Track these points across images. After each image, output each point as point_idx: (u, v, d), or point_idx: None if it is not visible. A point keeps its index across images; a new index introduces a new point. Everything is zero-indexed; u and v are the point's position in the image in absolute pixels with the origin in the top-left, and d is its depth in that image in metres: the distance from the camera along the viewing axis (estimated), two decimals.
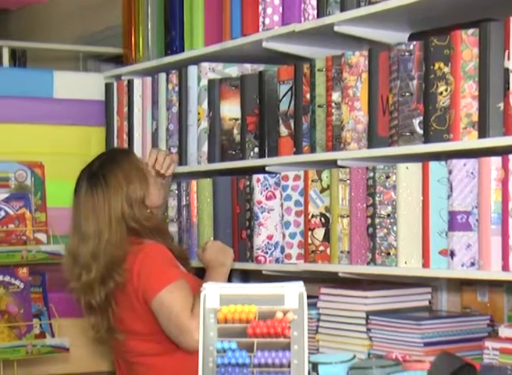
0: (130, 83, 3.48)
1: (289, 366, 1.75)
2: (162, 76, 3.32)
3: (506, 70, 2.22)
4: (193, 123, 3.16)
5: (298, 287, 1.78)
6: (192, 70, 3.18)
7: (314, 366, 2.19)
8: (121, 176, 2.69)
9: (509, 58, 2.21)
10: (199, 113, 3.14)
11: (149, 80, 3.40)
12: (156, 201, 2.81)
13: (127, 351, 2.70)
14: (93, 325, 2.71)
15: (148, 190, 2.74)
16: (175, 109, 3.26)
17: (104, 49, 4.15)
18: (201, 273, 2.83)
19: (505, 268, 2.22)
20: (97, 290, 2.63)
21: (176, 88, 3.25)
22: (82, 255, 2.66)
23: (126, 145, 3.50)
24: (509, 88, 2.21)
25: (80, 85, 3.70)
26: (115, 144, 3.54)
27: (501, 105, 2.26)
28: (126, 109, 3.50)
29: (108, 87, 3.59)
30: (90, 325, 2.72)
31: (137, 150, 3.46)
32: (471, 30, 2.32)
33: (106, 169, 2.71)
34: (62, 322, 3.36)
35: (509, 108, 2.21)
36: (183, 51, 3.24)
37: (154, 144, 3.34)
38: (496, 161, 2.25)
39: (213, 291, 1.79)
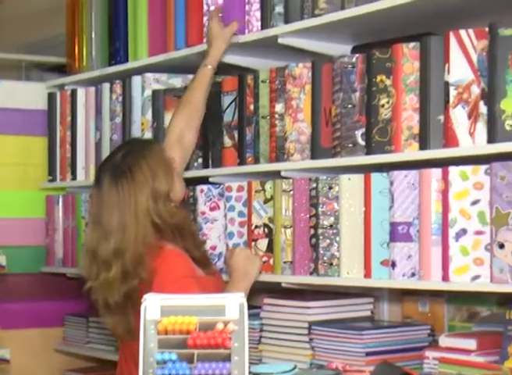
0: (74, 93, 3.46)
1: None
2: (106, 86, 3.30)
3: (446, 84, 2.25)
4: (136, 133, 3.15)
5: (239, 298, 1.78)
6: (136, 81, 3.17)
7: None
8: (146, 168, 2.52)
9: (449, 72, 2.24)
10: (143, 124, 3.13)
11: (92, 90, 3.39)
12: (180, 195, 2.66)
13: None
14: (110, 325, 2.54)
15: (173, 183, 2.58)
16: (118, 120, 3.24)
17: (48, 58, 4.12)
18: None
19: (445, 278, 2.24)
20: (116, 288, 2.47)
21: (120, 98, 3.23)
22: (102, 251, 2.49)
23: (68, 155, 3.47)
24: (449, 101, 2.24)
25: (23, 94, 3.66)
26: (58, 155, 3.52)
27: (441, 117, 2.29)
28: (69, 119, 3.48)
29: (51, 97, 3.56)
30: (107, 325, 2.56)
31: (80, 160, 3.44)
32: (412, 44, 2.35)
33: (130, 162, 2.54)
34: (4, 334, 3.32)
35: (449, 120, 2.24)
36: (127, 61, 3.24)
37: (98, 154, 3.32)
38: (436, 172, 2.28)
39: (153, 303, 1.78)
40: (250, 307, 1.85)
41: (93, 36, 3.41)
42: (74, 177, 3.47)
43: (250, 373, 1.96)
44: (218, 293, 2.43)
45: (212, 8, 2.87)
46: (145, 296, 1.83)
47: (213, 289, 2.50)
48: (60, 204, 3.56)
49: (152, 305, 1.78)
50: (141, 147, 2.62)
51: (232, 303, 1.76)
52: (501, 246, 2.15)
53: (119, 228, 2.48)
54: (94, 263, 2.52)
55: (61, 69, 3.81)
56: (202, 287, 2.45)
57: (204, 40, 2.89)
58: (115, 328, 2.54)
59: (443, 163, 2.27)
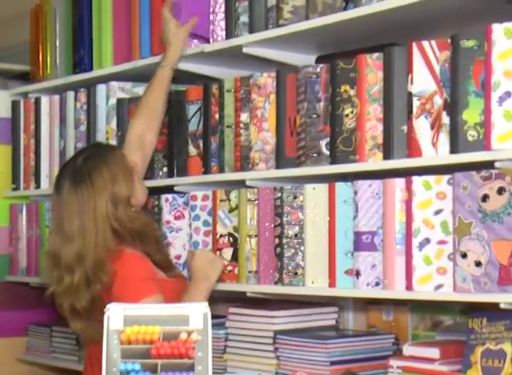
0: (38, 101, 3.44)
1: None
2: (70, 94, 3.29)
3: (410, 94, 2.27)
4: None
5: (203, 308, 1.78)
6: (101, 89, 3.16)
7: None
8: (106, 174, 2.52)
9: (412, 83, 2.26)
10: (107, 132, 3.12)
11: (57, 98, 3.37)
12: (142, 199, 2.67)
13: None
14: (79, 330, 2.54)
15: (134, 188, 2.58)
16: (83, 128, 3.23)
17: (11, 66, 4.09)
18: None
19: (409, 287, 2.26)
20: (82, 293, 2.46)
21: (85, 107, 3.22)
22: (65, 256, 2.48)
23: (32, 164, 3.45)
24: (412, 112, 2.26)
25: None
26: (21, 163, 3.50)
27: (404, 127, 2.30)
28: (33, 127, 3.46)
29: (15, 105, 3.54)
30: (76, 330, 2.56)
31: (44, 169, 3.42)
32: (375, 54, 2.37)
33: (90, 166, 2.53)
34: None
35: (412, 131, 2.26)
36: (92, 69, 3.23)
37: (62, 162, 3.29)
38: (400, 182, 2.30)
39: (117, 312, 1.77)
40: (214, 316, 1.85)
41: (57, 44, 3.39)
42: (38, 186, 3.45)
43: None
44: (180, 295, 2.44)
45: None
46: (108, 306, 1.82)
47: (175, 292, 2.51)
48: (24, 212, 3.53)
49: (115, 314, 1.77)
50: (103, 152, 2.62)
51: (196, 313, 1.76)
52: (463, 255, 2.16)
53: (80, 233, 2.49)
54: (56, 268, 2.52)
55: (25, 77, 3.79)
56: (163, 289, 2.46)
57: None
58: (84, 331, 2.53)
59: (407, 173, 2.29)
